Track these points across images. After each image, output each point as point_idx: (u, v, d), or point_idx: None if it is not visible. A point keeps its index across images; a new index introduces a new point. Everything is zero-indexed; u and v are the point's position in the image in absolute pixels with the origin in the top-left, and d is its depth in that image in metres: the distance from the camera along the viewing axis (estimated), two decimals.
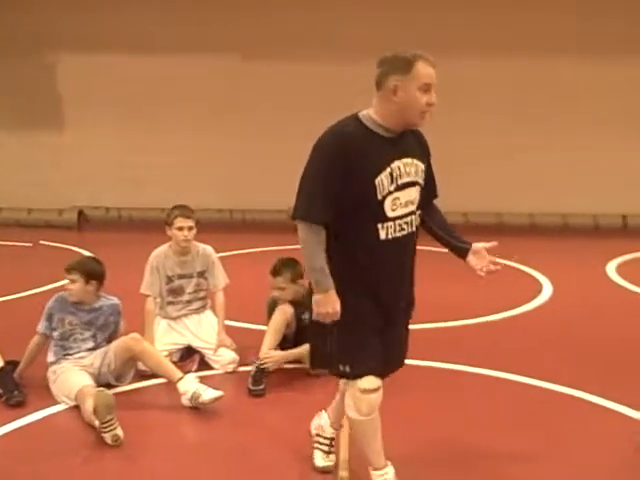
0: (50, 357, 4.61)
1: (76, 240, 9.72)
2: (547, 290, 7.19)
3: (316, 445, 3.65)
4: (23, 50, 11.13)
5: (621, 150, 10.59)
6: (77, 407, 4.25)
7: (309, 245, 2.99)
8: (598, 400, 4.41)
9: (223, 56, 10.83)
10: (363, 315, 3.05)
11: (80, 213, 11.31)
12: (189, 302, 5.23)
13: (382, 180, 2.98)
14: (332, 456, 3.63)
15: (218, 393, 4.30)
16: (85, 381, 4.35)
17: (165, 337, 5.11)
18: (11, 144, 11.49)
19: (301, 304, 4.83)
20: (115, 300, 4.77)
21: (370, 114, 3.04)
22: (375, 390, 3.11)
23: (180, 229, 5.07)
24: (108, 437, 3.89)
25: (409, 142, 3.11)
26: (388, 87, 2.96)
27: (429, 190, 3.25)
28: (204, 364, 5.05)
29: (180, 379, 4.40)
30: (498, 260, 3.31)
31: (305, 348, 4.67)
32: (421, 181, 3.14)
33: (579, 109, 10.50)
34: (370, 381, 3.09)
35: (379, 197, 2.99)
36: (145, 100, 11.06)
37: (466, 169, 10.25)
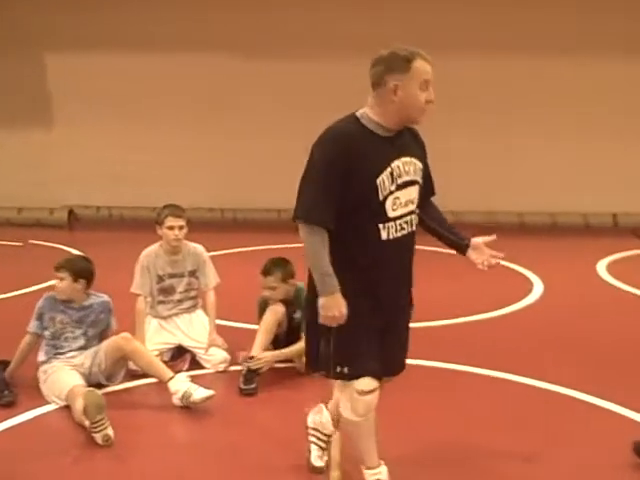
0: (41, 356, 4.59)
1: (67, 239, 9.66)
2: (538, 289, 7.20)
3: (313, 440, 3.59)
4: (13, 48, 11.06)
5: (611, 149, 10.60)
6: (67, 407, 4.23)
7: (312, 247, 2.95)
8: (594, 400, 4.42)
9: (220, 55, 10.76)
10: (362, 316, 3.01)
11: (70, 212, 11.27)
12: (180, 301, 5.22)
13: (383, 180, 2.97)
14: (326, 457, 3.59)
15: (209, 392, 4.29)
16: (75, 381, 4.34)
17: (156, 336, 5.09)
18: (1, 143, 11.43)
19: (292, 303, 4.84)
20: (105, 297, 4.76)
21: (368, 113, 3.01)
22: (372, 391, 3.08)
23: (171, 228, 5.06)
24: (99, 437, 3.88)
25: (407, 141, 3.10)
26: (388, 87, 2.94)
27: (427, 188, 3.25)
28: (195, 363, 5.04)
29: (171, 378, 4.39)
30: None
31: (296, 347, 4.68)
32: (420, 180, 3.13)
33: (569, 109, 10.52)
34: (367, 382, 3.06)
35: (380, 197, 2.97)
36: (136, 99, 11.02)
37: (456, 168, 10.24)
